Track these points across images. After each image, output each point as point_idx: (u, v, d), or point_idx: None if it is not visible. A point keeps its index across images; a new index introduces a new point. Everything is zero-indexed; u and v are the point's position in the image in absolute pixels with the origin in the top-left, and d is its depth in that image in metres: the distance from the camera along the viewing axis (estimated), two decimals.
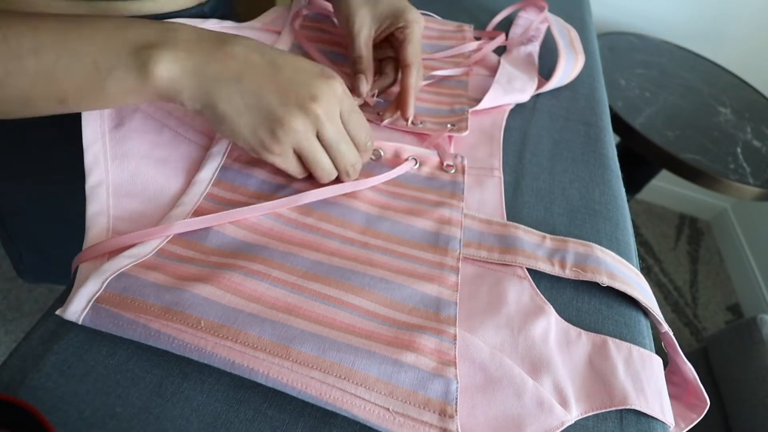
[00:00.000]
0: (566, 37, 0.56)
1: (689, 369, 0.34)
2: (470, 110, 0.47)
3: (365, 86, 0.44)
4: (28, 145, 0.48)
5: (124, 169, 0.34)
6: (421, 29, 0.45)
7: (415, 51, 0.44)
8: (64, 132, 0.45)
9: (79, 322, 0.26)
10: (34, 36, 0.27)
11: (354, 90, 0.44)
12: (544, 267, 0.35)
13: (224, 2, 0.53)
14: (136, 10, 0.41)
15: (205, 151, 0.38)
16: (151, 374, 0.27)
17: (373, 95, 0.46)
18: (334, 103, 0.32)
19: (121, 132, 0.36)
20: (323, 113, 0.31)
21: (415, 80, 0.44)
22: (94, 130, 0.35)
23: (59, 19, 0.28)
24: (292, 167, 0.34)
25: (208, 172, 0.36)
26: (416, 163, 0.41)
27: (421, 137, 0.44)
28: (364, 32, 0.44)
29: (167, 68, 0.29)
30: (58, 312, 0.26)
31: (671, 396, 0.36)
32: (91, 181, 0.33)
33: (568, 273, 0.35)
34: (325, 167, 0.34)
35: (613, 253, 0.37)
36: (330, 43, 0.52)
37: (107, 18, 0.30)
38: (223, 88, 0.30)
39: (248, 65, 0.31)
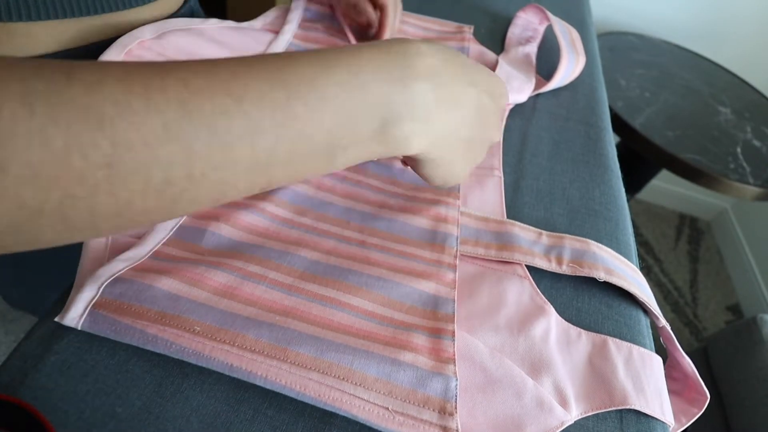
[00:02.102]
0: (568, 37, 0.56)
1: (688, 363, 0.35)
2: None
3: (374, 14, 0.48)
4: None
5: None
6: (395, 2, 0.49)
7: (391, 21, 0.48)
8: None
9: (78, 328, 0.26)
10: (242, 113, 0.19)
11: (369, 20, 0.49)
12: (541, 263, 0.35)
13: (197, 5, 0.53)
14: (125, 21, 0.41)
15: None
16: (151, 374, 0.27)
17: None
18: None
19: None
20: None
21: (392, 20, 0.47)
22: None
23: (266, 78, 0.20)
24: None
25: None
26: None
27: None
28: None
29: (412, 135, 0.24)
30: (56, 318, 0.26)
31: (671, 392, 0.36)
32: None
33: (565, 269, 0.35)
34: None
35: (609, 250, 0.37)
36: (329, 43, 0.52)
37: (320, 63, 0.22)
38: (455, 142, 0.27)
39: (475, 112, 0.28)
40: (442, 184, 0.30)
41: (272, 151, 0.20)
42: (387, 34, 0.49)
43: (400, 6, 0.52)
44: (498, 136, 0.32)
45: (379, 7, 0.48)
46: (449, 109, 0.25)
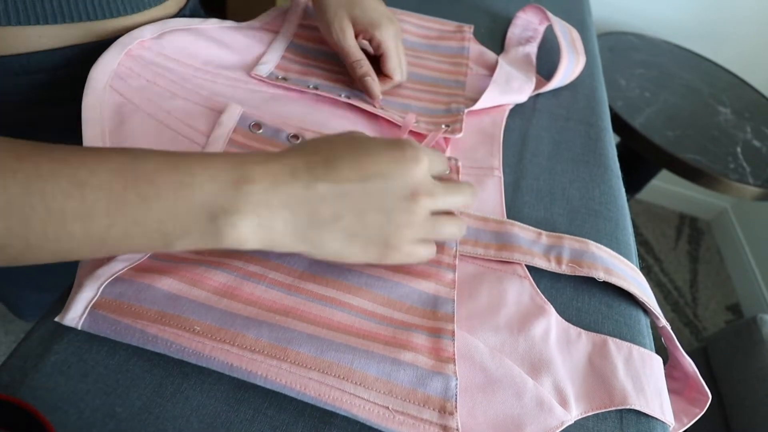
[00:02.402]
0: (568, 37, 0.56)
1: (689, 363, 0.35)
2: (466, 110, 0.46)
3: (376, 86, 0.45)
4: None
5: None
6: (397, 39, 0.46)
7: (394, 65, 0.46)
8: None
9: (78, 328, 0.26)
10: (80, 196, 0.22)
11: (369, 94, 0.45)
12: (541, 263, 0.35)
13: (197, 6, 0.53)
14: (124, 26, 0.41)
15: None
16: (151, 374, 0.27)
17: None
18: (428, 180, 0.29)
19: (121, 132, 0.36)
20: (426, 199, 0.29)
21: (395, 64, 0.46)
22: (94, 130, 0.35)
23: (111, 170, 0.23)
24: (423, 257, 0.31)
25: None
26: None
27: (416, 136, 0.44)
28: (349, 34, 0.44)
29: (251, 235, 0.25)
30: (56, 318, 0.26)
31: (672, 391, 0.36)
32: None
33: (564, 269, 0.35)
34: (453, 232, 0.31)
35: (609, 250, 0.37)
36: (327, 43, 0.52)
37: (164, 164, 0.24)
38: (322, 234, 0.27)
39: (340, 200, 0.27)
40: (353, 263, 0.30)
41: (106, 231, 0.23)
42: (397, 77, 0.47)
43: (401, 45, 0.47)
44: (418, 209, 0.28)
45: (386, 78, 0.46)
46: (289, 207, 0.26)
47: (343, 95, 0.45)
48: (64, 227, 0.22)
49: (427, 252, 0.31)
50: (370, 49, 0.47)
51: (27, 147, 0.22)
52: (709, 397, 0.35)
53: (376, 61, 0.47)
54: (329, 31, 0.45)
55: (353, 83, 0.47)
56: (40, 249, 0.22)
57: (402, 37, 0.46)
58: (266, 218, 0.25)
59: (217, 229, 0.25)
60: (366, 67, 0.45)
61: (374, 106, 0.45)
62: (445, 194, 0.30)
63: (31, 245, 0.22)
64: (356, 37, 0.46)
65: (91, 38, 0.39)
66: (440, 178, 0.35)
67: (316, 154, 0.27)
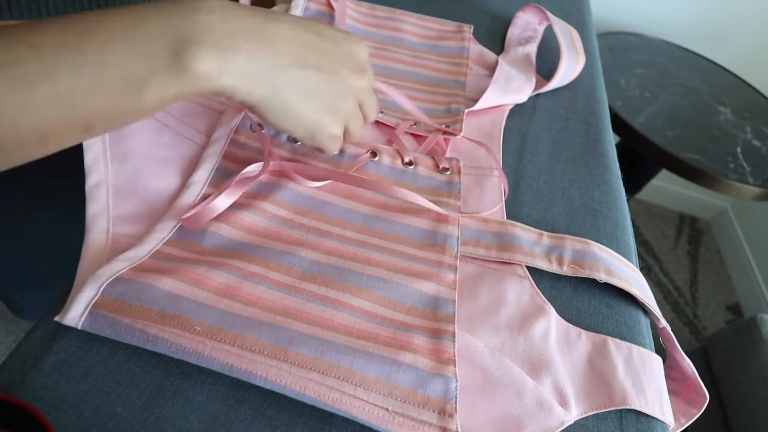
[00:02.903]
0: (567, 37, 0.56)
1: (688, 364, 0.35)
2: (466, 110, 0.46)
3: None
4: (18, 178, 0.45)
5: (124, 169, 0.34)
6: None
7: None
8: (58, 161, 0.44)
9: (78, 327, 0.26)
10: (38, 56, 0.21)
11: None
12: (542, 264, 0.35)
13: None
14: None
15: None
16: (151, 374, 0.27)
17: None
18: (365, 62, 0.33)
19: (121, 132, 0.36)
20: (366, 78, 0.32)
21: None
22: None
23: (60, 28, 0.22)
24: (337, 144, 0.33)
25: (203, 174, 0.36)
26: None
27: (416, 137, 0.44)
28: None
29: (216, 67, 0.24)
30: (56, 318, 0.26)
31: (670, 392, 0.36)
32: (90, 181, 0.33)
33: (566, 270, 0.35)
34: (357, 131, 0.35)
35: (610, 250, 0.37)
36: None
37: (118, 10, 0.24)
38: (284, 77, 0.27)
39: (302, 45, 0.28)
40: (287, 129, 0.30)
41: (74, 88, 0.22)
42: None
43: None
44: (360, 80, 0.32)
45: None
46: (257, 42, 0.26)
47: None
48: (33, 92, 0.21)
49: (338, 143, 0.33)
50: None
51: None
52: (707, 398, 0.35)
53: None
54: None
55: None
56: (16, 127, 0.21)
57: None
58: (231, 50, 0.25)
59: (181, 64, 0.24)
60: None
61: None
62: (371, 91, 0.34)
63: (4, 123, 0.21)
64: None
65: None
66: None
67: (273, 11, 0.29)
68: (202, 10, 0.25)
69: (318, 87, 0.29)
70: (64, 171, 0.44)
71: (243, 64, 0.26)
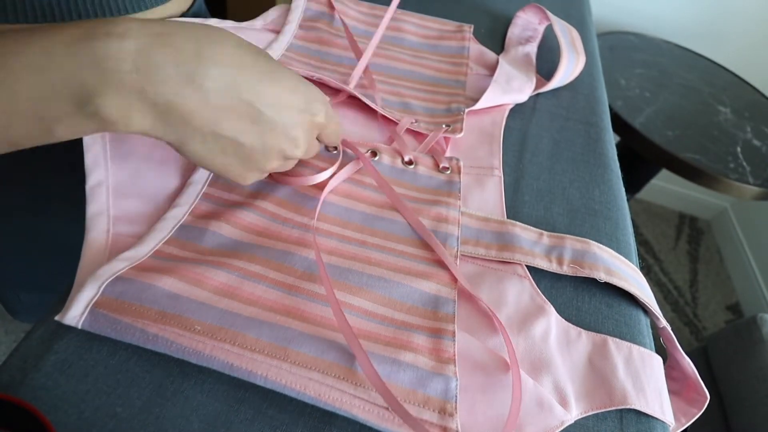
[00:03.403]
0: (568, 37, 0.56)
1: (688, 363, 0.35)
2: (467, 110, 0.46)
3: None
4: (18, 177, 0.45)
5: (124, 169, 0.34)
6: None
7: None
8: (58, 160, 0.43)
9: (78, 327, 0.26)
10: None
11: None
12: (542, 264, 0.35)
13: (202, 7, 0.52)
14: None
15: None
16: (151, 374, 0.27)
17: None
18: (313, 137, 0.31)
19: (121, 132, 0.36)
20: (302, 152, 0.30)
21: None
22: None
23: None
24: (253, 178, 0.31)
25: (203, 173, 0.36)
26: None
27: (417, 135, 0.44)
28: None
29: (123, 115, 0.23)
30: (56, 317, 0.26)
31: (671, 392, 0.36)
32: (90, 181, 0.33)
33: (566, 269, 0.35)
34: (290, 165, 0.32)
35: (610, 250, 0.37)
36: (328, 43, 0.52)
37: (18, 45, 0.22)
38: (195, 135, 0.25)
39: (224, 109, 0.25)
40: (225, 176, 0.29)
41: None
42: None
43: None
44: (294, 150, 0.29)
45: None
46: (170, 98, 0.24)
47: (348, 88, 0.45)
48: None
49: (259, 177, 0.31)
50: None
51: None
52: (707, 398, 0.35)
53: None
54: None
55: (354, 82, 0.47)
56: None
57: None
58: (137, 103, 0.23)
59: (88, 113, 0.23)
60: None
61: (375, 103, 0.45)
62: (324, 133, 0.32)
63: None
64: None
65: None
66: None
67: (213, 46, 0.25)
68: (112, 56, 0.22)
69: (231, 152, 0.27)
70: (64, 172, 0.44)
71: (150, 119, 0.24)
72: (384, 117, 0.45)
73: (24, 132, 0.23)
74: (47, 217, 0.48)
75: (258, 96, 0.26)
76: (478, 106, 0.47)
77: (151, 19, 0.24)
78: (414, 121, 0.44)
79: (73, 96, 0.22)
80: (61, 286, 0.30)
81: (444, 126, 0.44)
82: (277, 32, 0.51)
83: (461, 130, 0.44)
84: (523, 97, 0.51)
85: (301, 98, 0.28)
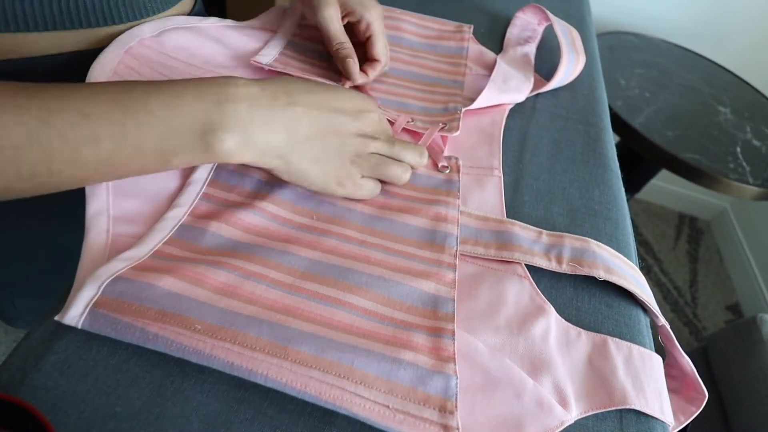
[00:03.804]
0: (568, 37, 0.56)
1: (687, 362, 0.35)
2: (463, 109, 0.46)
3: (355, 68, 0.45)
4: None
5: None
6: (382, 23, 0.46)
7: (381, 46, 0.46)
8: None
9: (78, 327, 0.26)
10: (88, 125, 0.25)
11: (348, 76, 0.45)
12: (541, 262, 0.35)
13: (202, 10, 0.52)
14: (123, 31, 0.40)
15: None
16: (151, 374, 0.27)
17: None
18: (379, 128, 0.37)
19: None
20: (374, 142, 0.36)
21: (378, 73, 0.47)
22: None
23: (108, 100, 0.26)
24: (368, 192, 0.37)
25: (203, 172, 0.36)
26: None
27: (414, 135, 0.44)
28: (335, 16, 0.44)
29: (237, 148, 0.29)
30: (56, 317, 0.26)
31: (670, 390, 0.36)
32: None
33: (565, 268, 0.35)
34: (397, 173, 0.37)
35: (609, 248, 0.37)
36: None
37: (153, 89, 0.28)
38: (295, 152, 0.32)
39: (313, 125, 0.32)
40: (306, 186, 0.35)
41: (113, 154, 0.27)
42: (383, 60, 0.47)
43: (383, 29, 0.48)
44: (371, 147, 0.35)
45: (371, 61, 0.46)
46: (270, 125, 0.30)
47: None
48: (79, 153, 0.26)
49: (371, 187, 0.37)
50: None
51: (33, 87, 0.25)
52: (705, 396, 0.35)
53: (362, 49, 0.47)
54: (315, 13, 0.44)
55: (344, 69, 0.47)
56: (62, 175, 0.26)
57: (383, 19, 0.47)
58: (249, 134, 0.29)
59: (207, 144, 0.28)
60: (349, 50, 0.45)
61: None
62: (394, 145, 0.37)
63: (53, 172, 0.26)
64: (343, 18, 0.46)
65: (91, 44, 0.39)
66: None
67: (293, 83, 0.33)
68: (230, 99, 0.29)
69: (323, 160, 0.33)
70: None
71: (261, 145, 0.30)
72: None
73: (141, 164, 0.28)
74: (43, 220, 0.48)
75: (332, 107, 0.34)
76: (475, 105, 0.47)
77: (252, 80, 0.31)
78: (410, 120, 0.44)
79: (196, 132, 0.28)
80: (58, 290, 0.30)
81: (440, 124, 0.44)
82: (275, 31, 0.51)
83: (458, 128, 0.44)
84: (520, 96, 0.51)
85: (354, 101, 0.35)
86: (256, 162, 0.31)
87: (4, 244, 0.49)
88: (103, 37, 0.39)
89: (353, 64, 0.44)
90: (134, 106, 0.27)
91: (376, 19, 0.45)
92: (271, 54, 0.47)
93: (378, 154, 0.36)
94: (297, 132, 0.32)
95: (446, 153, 0.43)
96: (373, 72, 0.46)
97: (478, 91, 0.50)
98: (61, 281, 0.29)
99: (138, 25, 0.41)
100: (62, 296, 0.29)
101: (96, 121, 0.26)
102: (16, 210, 0.47)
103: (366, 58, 0.47)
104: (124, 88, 0.27)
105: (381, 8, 0.46)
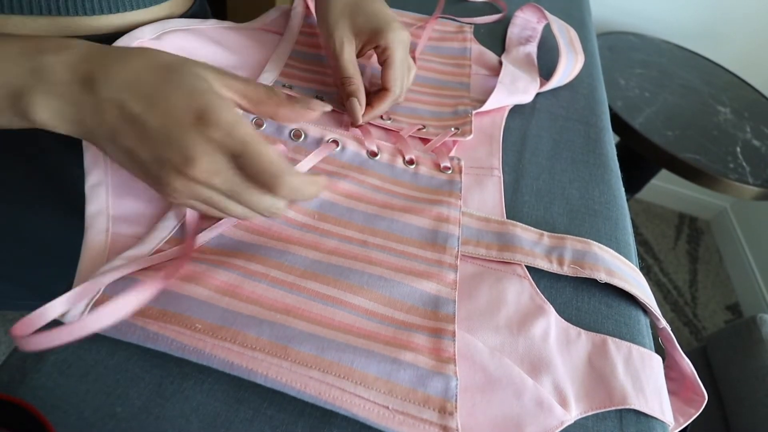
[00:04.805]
0: (566, 37, 0.56)
1: (687, 364, 0.35)
2: (474, 112, 0.46)
3: (360, 110, 0.41)
4: (26, 181, 0.44)
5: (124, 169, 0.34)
6: (406, 47, 0.42)
7: (395, 76, 0.42)
8: (64, 163, 0.43)
9: None
10: None
11: (350, 116, 0.42)
12: (542, 264, 0.35)
13: (204, 6, 0.52)
14: (99, 26, 0.39)
15: None
16: (151, 374, 0.27)
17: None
18: (216, 156, 0.26)
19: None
20: (203, 173, 0.26)
21: (388, 105, 0.43)
22: None
23: None
24: (207, 210, 0.29)
25: None
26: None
27: (426, 141, 0.44)
28: (347, 48, 0.41)
29: (47, 116, 0.27)
30: (57, 317, 0.26)
31: (669, 392, 0.36)
32: (90, 181, 0.33)
33: (566, 270, 0.35)
34: (238, 212, 0.29)
35: (610, 250, 0.37)
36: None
37: None
38: (101, 141, 0.28)
39: (119, 120, 0.26)
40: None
41: None
42: (395, 90, 0.42)
43: (407, 56, 0.43)
44: (190, 168, 0.26)
45: (381, 90, 0.42)
46: (94, 110, 0.26)
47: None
48: None
49: (214, 212, 0.29)
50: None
51: None
52: (705, 398, 0.35)
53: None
54: (328, 42, 0.42)
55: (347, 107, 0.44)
56: None
57: (409, 45, 0.42)
58: (56, 106, 0.27)
59: (19, 109, 0.27)
60: (355, 85, 0.41)
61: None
62: (244, 158, 0.26)
63: None
64: (363, 47, 0.43)
65: (92, 32, 0.38)
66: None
67: (120, 64, 0.27)
68: (45, 66, 0.26)
69: (133, 162, 0.28)
70: (64, 171, 0.44)
71: (68, 119, 0.27)
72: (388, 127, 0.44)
73: None
74: (46, 220, 0.48)
75: (151, 100, 0.26)
76: (486, 107, 0.47)
77: (90, 43, 0.28)
78: (421, 127, 0.44)
79: (7, 95, 0.26)
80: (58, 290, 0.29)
81: (452, 129, 0.44)
82: (277, 33, 0.51)
83: (470, 132, 0.44)
84: (528, 97, 0.51)
85: (193, 103, 0.26)
86: (75, 136, 0.28)
87: (15, 244, 0.49)
88: (76, 28, 0.38)
89: (356, 103, 0.41)
90: None
91: (394, 44, 0.41)
92: (275, 67, 0.46)
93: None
94: (100, 123, 0.27)
95: (452, 154, 0.43)
96: (380, 105, 0.42)
97: (483, 92, 0.50)
98: (67, 278, 0.29)
99: (138, 14, 0.41)
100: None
101: None
102: (6, 198, 0.47)
103: (377, 87, 0.43)
104: None
105: (405, 33, 0.42)
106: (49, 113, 0.27)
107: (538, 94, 0.54)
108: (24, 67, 0.26)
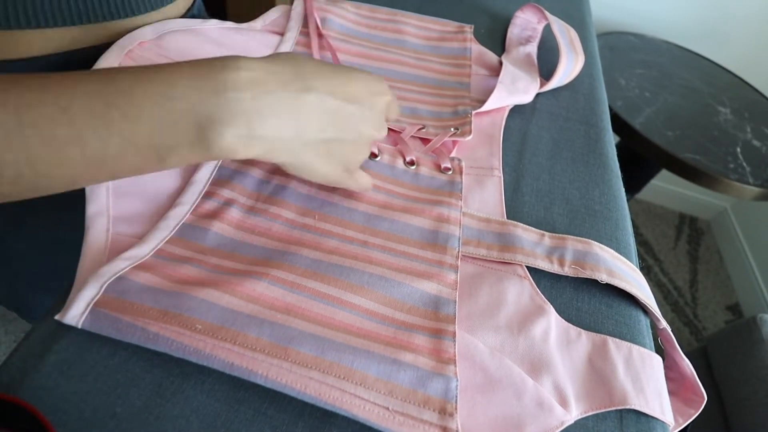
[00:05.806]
0: (566, 37, 0.56)
1: (686, 364, 0.35)
2: (474, 112, 0.46)
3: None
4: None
5: None
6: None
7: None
8: None
9: (79, 326, 0.26)
10: (69, 122, 0.22)
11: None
12: (543, 264, 0.35)
13: (201, 6, 0.52)
14: (135, 25, 0.40)
15: None
16: (151, 374, 0.27)
17: None
18: (382, 123, 0.34)
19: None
20: (385, 131, 0.34)
21: None
22: None
23: (89, 92, 0.23)
24: (365, 185, 0.35)
25: (205, 172, 0.36)
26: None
27: (425, 141, 0.44)
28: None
29: (241, 143, 0.25)
30: (57, 317, 0.26)
31: (669, 392, 0.36)
32: None
33: (567, 270, 0.35)
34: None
35: (611, 250, 0.37)
36: (330, 48, 0.52)
37: (140, 77, 0.24)
38: (307, 146, 0.29)
39: (327, 114, 0.29)
40: (307, 178, 0.32)
41: (101, 151, 0.23)
42: None
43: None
44: (378, 133, 0.33)
45: None
46: (280, 116, 0.27)
47: None
48: (63, 152, 0.23)
49: (367, 180, 0.36)
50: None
51: (8, 79, 0.22)
52: (704, 398, 0.35)
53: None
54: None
55: None
56: (49, 176, 0.23)
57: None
58: (254, 128, 0.26)
59: (206, 140, 0.25)
60: None
61: None
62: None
63: (39, 173, 0.23)
64: None
65: (88, 43, 0.39)
66: None
67: (304, 64, 0.29)
68: (230, 87, 0.25)
69: (338, 150, 0.31)
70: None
71: (268, 139, 0.27)
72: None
73: (134, 162, 0.25)
74: (51, 218, 0.48)
75: (347, 94, 0.30)
76: (486, 107, 0.47)
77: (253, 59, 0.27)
78: (421, 127, 0.44)
79: (191, 127, 0.24)
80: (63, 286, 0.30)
81: (452, 129, 0.44)
82: (277, 33, 0.51)
83: (470, 132, 0.44)
84: (528, 97, 0.51)
85: (368, 85, 0.32)
86: (264, 157, 0.28)
87: (27, 242, 0.49)
88: (99, 35, 0.39)
89: None
90: (119, 99, 0.23)
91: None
92: None
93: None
94: (308, 124, 0.28)
95: (452, 154, 0.43)
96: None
97: (483, 92, 0.50)
98: (71, 274, 0.29)
99: (149, 16, 0.41)
100: (62, 295, 0.29)
101: (77, 117, 0.22)
102: (51, 202, 0.47)
103: None
104: (109, 76, 0.24)
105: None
106: (240, 141, 0.25)
107: (538, 94, 0.54)
108: (206, 91, 0.25)
